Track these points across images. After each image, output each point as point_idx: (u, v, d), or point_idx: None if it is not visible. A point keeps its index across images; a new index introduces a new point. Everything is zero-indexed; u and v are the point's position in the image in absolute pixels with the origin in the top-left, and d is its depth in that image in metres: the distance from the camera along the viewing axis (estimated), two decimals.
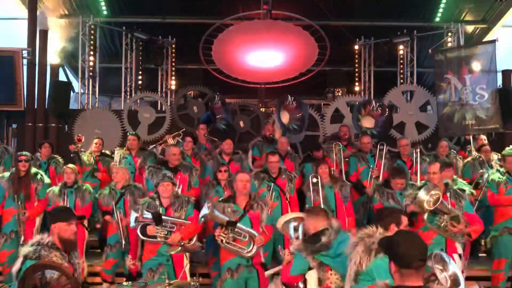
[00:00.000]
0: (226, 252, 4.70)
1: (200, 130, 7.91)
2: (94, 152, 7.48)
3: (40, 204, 6.18)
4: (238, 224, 4.60)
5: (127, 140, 7.45)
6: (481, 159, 7.15)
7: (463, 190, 4.96)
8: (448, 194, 4.83)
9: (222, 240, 4.58)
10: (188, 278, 4.30)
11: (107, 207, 5.91)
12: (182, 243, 4.67)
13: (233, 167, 6.84)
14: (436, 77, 9.00)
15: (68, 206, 5.82)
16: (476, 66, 8.55)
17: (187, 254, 4.92)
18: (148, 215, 4.79)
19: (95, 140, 7.57)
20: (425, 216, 4.58)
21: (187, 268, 4.91)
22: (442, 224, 4.53)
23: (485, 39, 11.67)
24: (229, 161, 7.01)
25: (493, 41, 8.67)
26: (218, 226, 4.70)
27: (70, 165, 6.28)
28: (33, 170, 6.39)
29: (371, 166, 6.83)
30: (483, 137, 8.12)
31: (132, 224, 4.92)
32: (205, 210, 4.67)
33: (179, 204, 4.95)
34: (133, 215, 4.92)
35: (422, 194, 4.57)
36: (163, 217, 4.81)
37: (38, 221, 6.26)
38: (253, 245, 4.63)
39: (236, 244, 4.61)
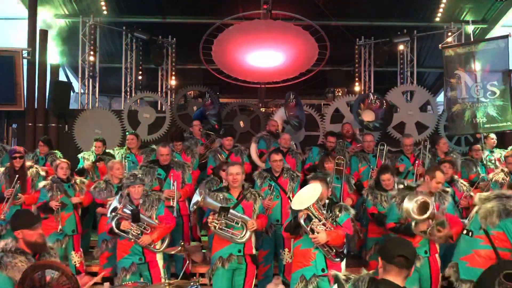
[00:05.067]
0: (218, 242, 4.70)
1: (194, 126, 7.98)
2: (96, 152, 7.54)
3: (37, 194, 6.17)
4: (231, 210, 4.58)
5: (126, 140, 7.47)
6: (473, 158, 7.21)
7: (446, 192, 4.85)
8: (432, 197, 4.69)
9: (215, 227, 4.55)
10: (163, 279, 4.22)
11: (102, 200, 5.96)
12: (182, 243, 4.65)
13: (233, 159, 6.99)
14: (446, 73, 8.66)
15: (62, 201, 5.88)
16: (487, 62, 8.24)
17: (160, 254, 4.93)
18: (128, 210, 4.77)
19: (94, 143, 7.61)
20: (413, 224, 4.43)
21: (161, 265, 4.90)
22: (428, 229, 4.41)
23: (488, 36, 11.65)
24: (229, 154, 7.12)
25: (506, 36, 8.32)
26: (210, 212, 4.66)
27: (64, 160, 6.26)
28: (29, 163, 6.48)
29: (372, 166, 6.84)
30: (493, 136, 8.01)
31: (108, 213, 4.86)
32: (196, 197, 4.61)
33: (149, 203, 4.94)
34: (114, 204, 4.84)
35: (406, 203, 4.42)
36: (141, 216, 4.81)
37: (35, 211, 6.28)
38: (246, 230, 4.63)
39: (229, 230, 4.60)
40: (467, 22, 11.53)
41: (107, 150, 7.77)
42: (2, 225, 6.08)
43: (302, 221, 4.12)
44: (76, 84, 11.78)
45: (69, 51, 11.46)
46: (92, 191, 6.10)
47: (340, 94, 11.90)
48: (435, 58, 13.13)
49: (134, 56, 11.68)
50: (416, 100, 10.03)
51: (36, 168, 6.48)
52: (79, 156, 7.73)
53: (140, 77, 11.92)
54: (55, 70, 10.36)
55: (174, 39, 11.64)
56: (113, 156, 7.57)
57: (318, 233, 4.09)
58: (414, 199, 4.37)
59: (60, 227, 5.77)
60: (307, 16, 11.04)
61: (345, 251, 4.29)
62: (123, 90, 11.55)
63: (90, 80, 11.18)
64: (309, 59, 10.90)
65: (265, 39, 10.68)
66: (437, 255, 4.68)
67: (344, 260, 4.38)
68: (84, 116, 9.82)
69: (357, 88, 11.84)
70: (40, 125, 9.56)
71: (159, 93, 11.42)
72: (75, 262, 5.96)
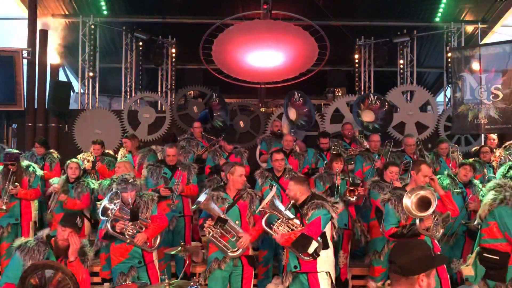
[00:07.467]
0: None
1: (195, 128, 7.93)
2: (94, 155, 7.53)
3: (33, 191, 6.20)
4: (229, 223, 4.55)
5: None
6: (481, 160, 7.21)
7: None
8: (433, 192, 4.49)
9: (209, 233, 4.52)
10: (163, 279, 4.20)
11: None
12: (182, 244, 4.64)
13: (233, 159, 7.03)
14: (453, 74, 9.08)
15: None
16: (492, 65, 8.55)
17: (156, 255, 4.91)
18: (125, 211, 4.64)
19: (92, 146, 7.60)
20: (417, 222, 4.24)
21: (157, 266, 4.87)
22: (432, 225, 4.29)
23: (486, 39, 11.69)
24: (228, 154, 7.18)
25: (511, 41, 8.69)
26: (209, 217, 4.65)
27: (75, 160, 6.32)
28: (25, 163, 6.44)
29: None
30: (493, 136, 8.15)
31: (100, 214, 4.63)
32: (202, 197, 4.56)
33: (144, 204, 4.86)
34: (104, 202, 4.64)
35: (405, 200, 4.24)
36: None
37: (34, 214, 6.29)
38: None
39: (221, 241, 4.56)
40: (467, 22, 11.55)
41: (106, 151, 7.77)
42: (3, 227, 6.08)
43: (263, 222, 4.32)
44: (76, 84, 11.78)
45: (69, 51, 11.46)
46: (97, 187, 6.12)
47: (340, 94, 11.90)
48: (435, 58, 13.13)
49: (134, 56, 11.68)
50: (416, 100, 10.04)
51: (33, 167, 6.41)
52: (78, 157, 7.71)
53: (140, 77, 11.91)
54: (55, 70, 10.36)
55: (174, 39, 11.64)
56: (112, 156, 7.59)
57: (277, 233, 4.22)
58: (413, 194, 4.22)
59: None
60: (307, 16, 11.03)
61: (317, 250, 4.13)
62: (123, 90, 11.55)
63: (90, 80, 11.19)
64: (309, 59, 10.89)
65: (265, 39, 10.68)
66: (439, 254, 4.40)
67: (324, 258, 4.21)
68: (84, 116, 9.82)
69: (357, 88, 11.83)
70: (40, 125, 9.57)
71: (159, 93, 11.42)
72: None
